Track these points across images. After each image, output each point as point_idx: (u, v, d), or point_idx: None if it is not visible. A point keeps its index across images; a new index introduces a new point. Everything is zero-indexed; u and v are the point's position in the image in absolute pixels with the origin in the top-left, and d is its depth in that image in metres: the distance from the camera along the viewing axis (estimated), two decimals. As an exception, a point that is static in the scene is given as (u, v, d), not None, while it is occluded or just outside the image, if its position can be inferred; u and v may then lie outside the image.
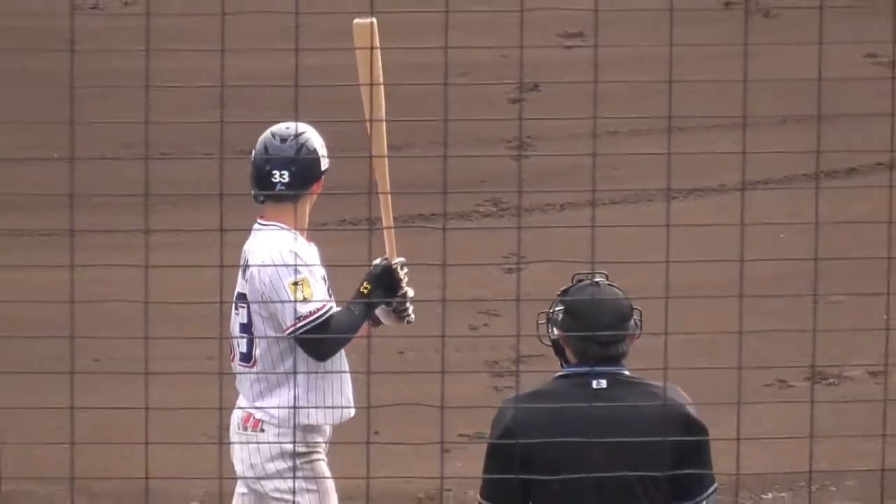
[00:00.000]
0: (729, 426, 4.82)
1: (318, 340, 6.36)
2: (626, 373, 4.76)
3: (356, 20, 6.43)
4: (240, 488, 6.71)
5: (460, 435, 7.69)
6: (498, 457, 4.71)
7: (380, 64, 6.14)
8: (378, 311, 6.64)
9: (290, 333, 6.33)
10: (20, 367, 10.62)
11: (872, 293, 6.41)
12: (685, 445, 4.63)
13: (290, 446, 6.36)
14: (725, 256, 4.98)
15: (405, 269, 6.62)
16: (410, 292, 6.65)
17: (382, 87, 6.23)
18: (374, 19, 6.28)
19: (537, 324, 4.83)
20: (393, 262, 6.55)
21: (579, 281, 4.81)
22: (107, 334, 8.44)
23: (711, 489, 4.73)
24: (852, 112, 10.82)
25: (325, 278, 6.64)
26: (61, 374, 4.68)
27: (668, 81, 4.50)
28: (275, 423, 6.49)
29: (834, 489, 9.97)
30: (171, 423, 7.58)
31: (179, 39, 14.95)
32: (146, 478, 4.08)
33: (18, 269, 11.52)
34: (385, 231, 6.53)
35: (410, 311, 6.64)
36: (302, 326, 6.36)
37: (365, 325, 6.58)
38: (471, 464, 6.96)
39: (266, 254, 6.41)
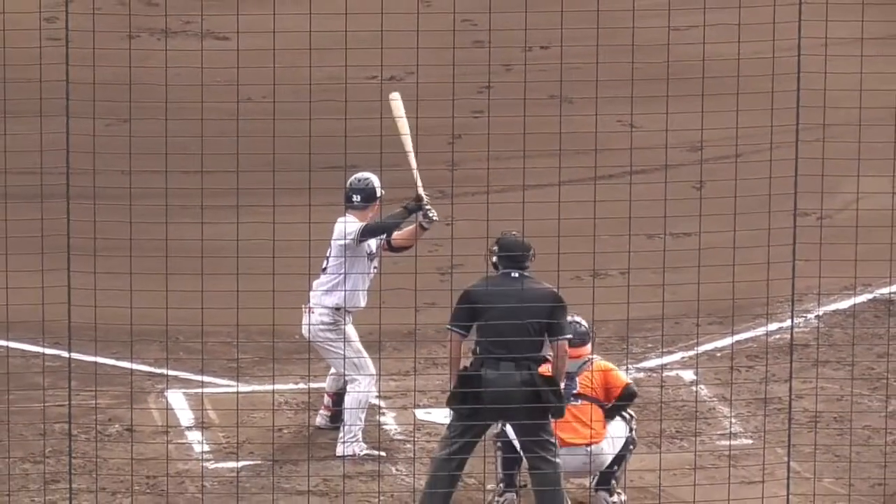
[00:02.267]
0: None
1: (368, 230, 10.70)
2: (526, 273, 8.90)
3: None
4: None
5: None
6: (461, 303, 8.76)
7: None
8: (419, 219, 10.72)
9: (350, 241, 10.73)
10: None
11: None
12: (552, 307, 8.77)
13: (327, 318, 10.37)
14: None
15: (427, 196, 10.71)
16: (430, 207, 10.67)
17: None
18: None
19: (487, 251, 8.89)
20: (420, 192, 10.79)
21: (503, 233, 8.89)
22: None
23: (564, 337, 8.83)
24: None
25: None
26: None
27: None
28: (318, 307, 10.51)
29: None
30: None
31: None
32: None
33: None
34: (415, 174, 10.71)
35: (432, 213, 10.60)
36: (353, 234, 10.59)
37: (417, 230, 10.89)
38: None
39: (342, 227, 10.66)
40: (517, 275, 9.19)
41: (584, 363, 10.05)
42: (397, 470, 9.92)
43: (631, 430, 10.05)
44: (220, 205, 11.37)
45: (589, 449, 9.81)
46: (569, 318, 9.85)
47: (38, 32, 11.69)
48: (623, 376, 10.21)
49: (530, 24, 10.81)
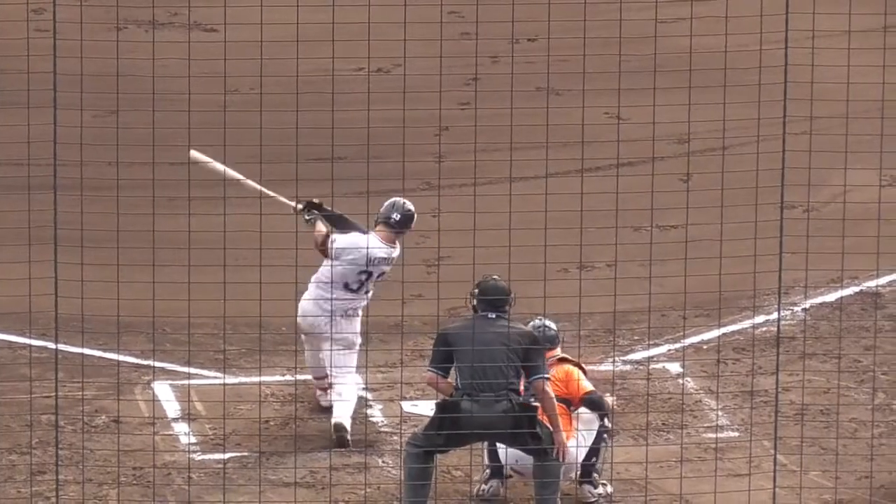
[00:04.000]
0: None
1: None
2: (504, 314, 8.98)
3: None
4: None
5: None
6: (438, 345, 8.96)
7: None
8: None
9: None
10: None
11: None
12: (527, 347, 8.89)
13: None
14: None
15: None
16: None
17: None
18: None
19: (468, 295, 9.00)
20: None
21: (485, 277, 9.05)
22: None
23: (540, 376, 8.92)
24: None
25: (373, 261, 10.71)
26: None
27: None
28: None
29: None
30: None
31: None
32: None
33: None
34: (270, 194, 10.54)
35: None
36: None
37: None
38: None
39: (388, 250, 10.66)
40: (494, 316, 9.25)
41: (551, 363, 9.93)
42: (384, 462, 9.85)
43: (603, 420, 9.82)
44: (206, 196, 11.33)
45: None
46: (538, 321, 9.99)
47: (25, 24, 11.65)
48: (586, 385, 9.97)
49: (517, 15, 10.78)
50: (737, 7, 10.75)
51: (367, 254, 10.90)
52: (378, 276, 11.34)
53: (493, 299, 9.38)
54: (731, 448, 9.95)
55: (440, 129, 12.00)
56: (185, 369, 11.08)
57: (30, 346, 10.78)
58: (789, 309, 11.19)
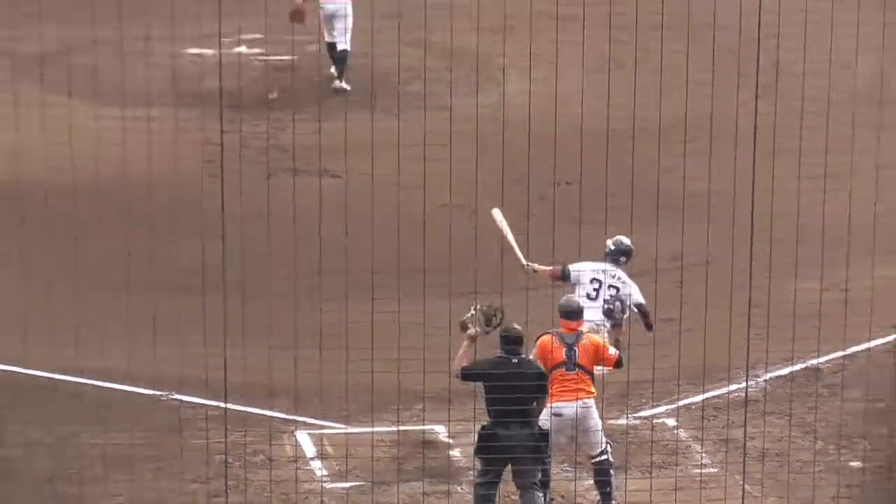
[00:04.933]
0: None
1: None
2: (522, 356, 11.41)
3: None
4: None
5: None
6: (475, 370, 11.44)
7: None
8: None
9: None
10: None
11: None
12: (538, 384, 11.37)
13: None
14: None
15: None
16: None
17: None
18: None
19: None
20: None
21: (508, 326, 11.44)
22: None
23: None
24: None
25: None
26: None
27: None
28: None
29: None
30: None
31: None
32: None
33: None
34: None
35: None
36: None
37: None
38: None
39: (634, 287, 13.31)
40: (516, 360, 11.54)
41: (580, 335, 11.97)
42: (462, 489, 12.49)
43: (607, 452, 11.91)
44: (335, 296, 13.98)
45: (573, 405, 11.66)
46: (566, 297, 12.74)
47: (200, 172, 15.02)
48: (613, 352, 12.24)
49: (559, 163, 13.58)
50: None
51: (592, 265, 13.38)
52: (615, 294, 13.33)
53: (514, 347, 11.56)
54: (711, 480, 12.21)
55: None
56: (320, 422, 13.65)
57: (206, 405, 13.29)
58: (754, 379, 13.27)
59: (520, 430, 11.49)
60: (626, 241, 13.54)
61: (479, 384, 11.82)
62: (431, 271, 14.29)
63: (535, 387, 11.60)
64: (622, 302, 13.57)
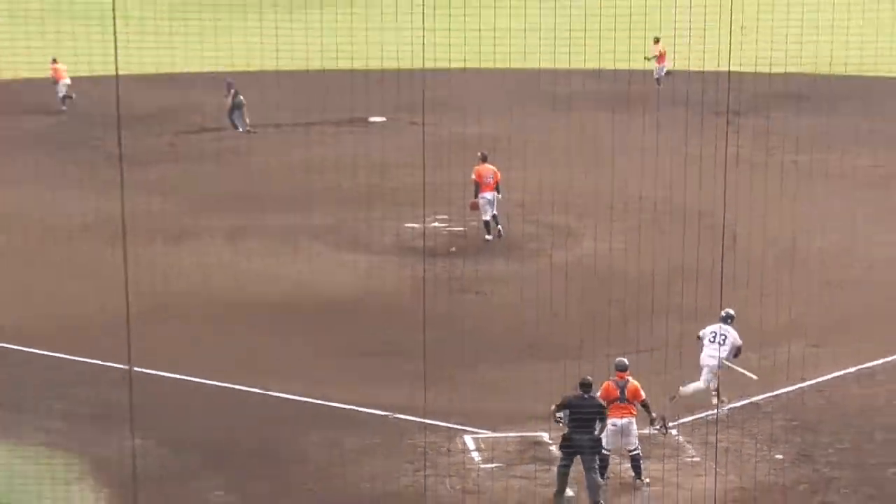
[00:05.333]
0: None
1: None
2: (592, 395, 17.82)
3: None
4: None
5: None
6: (563, 403, 17.75)
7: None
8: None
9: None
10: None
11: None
12: (600, 410, 17.88)
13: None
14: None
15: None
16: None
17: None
18: None
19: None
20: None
21: (583, 379, 18.02)
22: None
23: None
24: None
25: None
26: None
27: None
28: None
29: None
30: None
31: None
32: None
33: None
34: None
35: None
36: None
37: None
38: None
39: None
40: (587, 397, 17.88)
41: (626, 381, 18.40)
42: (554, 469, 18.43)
43: (638, 448, 18.45)
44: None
45: (623, 420, 18.33)
46: (619, 358, 18.94)
47: (412, 290, 23.70)
48: (643, 395, 18.49)
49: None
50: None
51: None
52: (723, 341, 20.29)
53: (587, 389, 17.89)
54: (697, 466, 18.89)
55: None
56: (476, 429, 20.20)
57: (412, 420, 20.03)
58: (723, 408, 19.94)
59: (585, 436, 17.82)
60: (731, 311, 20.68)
61: (566, 411, 17.95)
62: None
63: (597, 413, 17.94)
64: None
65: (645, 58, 44.55)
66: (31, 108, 43.33)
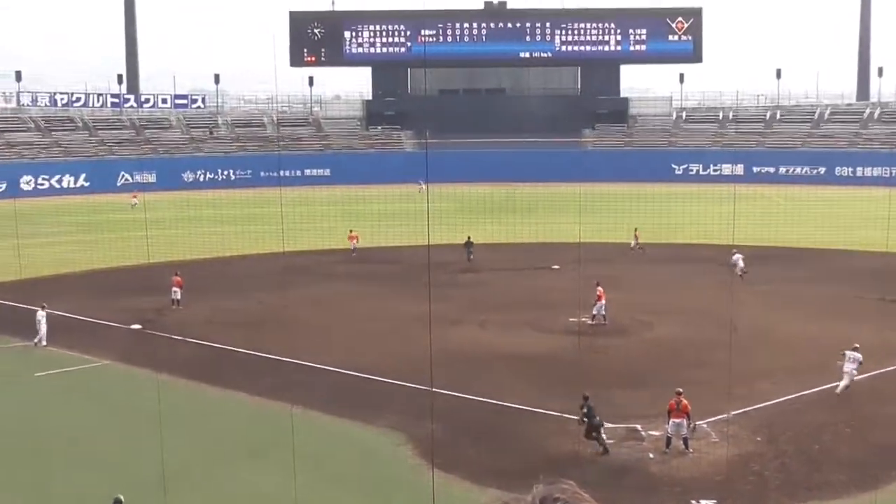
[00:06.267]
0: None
1: None
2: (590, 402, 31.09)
3: None
4: None
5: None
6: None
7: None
8: None
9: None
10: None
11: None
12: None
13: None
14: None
15: None
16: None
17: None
18: None
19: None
20: None
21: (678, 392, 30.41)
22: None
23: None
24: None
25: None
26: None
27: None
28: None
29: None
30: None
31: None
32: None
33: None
34: None
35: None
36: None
37: None
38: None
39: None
40: (588, 405, 30.46)
41: (681, 399, 30.36)
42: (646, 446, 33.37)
43: (690, 430, 30.16)
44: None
45: (679, 420, 30.62)
46: (677, 388, 30.52)
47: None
48: (688, 406, 30.22)
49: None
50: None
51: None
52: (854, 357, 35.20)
53: (586, 399, 30.34)
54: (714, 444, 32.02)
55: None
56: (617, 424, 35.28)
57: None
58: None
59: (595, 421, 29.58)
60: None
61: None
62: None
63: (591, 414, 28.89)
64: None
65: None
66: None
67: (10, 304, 53.26)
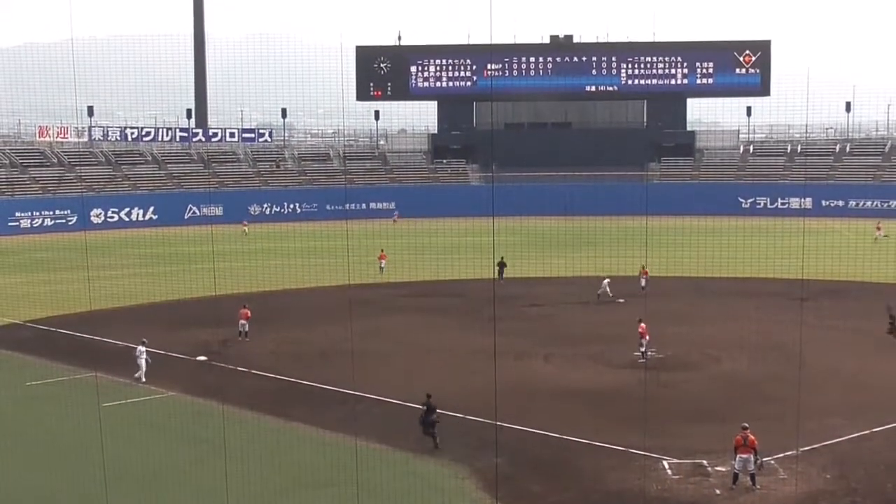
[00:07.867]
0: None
1: None
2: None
3: None
4: None
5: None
6: None
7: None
8: None
9: None
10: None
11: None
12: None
13: None
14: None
15: None
16: None
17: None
18: None
19: None
20: None
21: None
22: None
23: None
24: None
25: None
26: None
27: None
28: None
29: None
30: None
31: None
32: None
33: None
34: None
35: None
36: None
37: None
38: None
39: None
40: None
41: (747, 435, 30.15)
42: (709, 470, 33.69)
43: (757, 466, 29.49)
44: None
45: (746, 455, 30.25)
46: (743, 423, 30.40)
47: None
48: (754, 441, 29.78)
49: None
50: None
51: None
52: None
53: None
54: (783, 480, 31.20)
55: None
56: (657, 455, 32.93)
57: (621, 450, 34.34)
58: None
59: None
60: None
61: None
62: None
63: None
64: None
65: None
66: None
67: (80, 335, 54.51)
